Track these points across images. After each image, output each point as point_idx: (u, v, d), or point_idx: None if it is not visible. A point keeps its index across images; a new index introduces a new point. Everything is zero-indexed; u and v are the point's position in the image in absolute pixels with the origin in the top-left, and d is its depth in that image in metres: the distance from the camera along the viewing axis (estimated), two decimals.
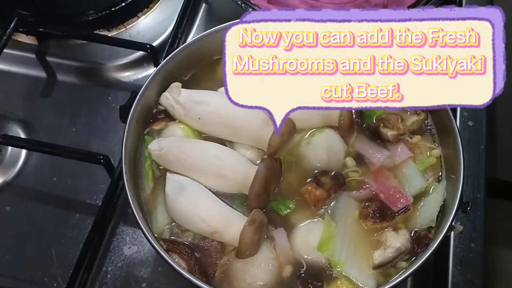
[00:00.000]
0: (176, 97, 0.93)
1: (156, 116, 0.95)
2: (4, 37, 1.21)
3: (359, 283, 0.81)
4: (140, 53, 1.26)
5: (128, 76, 1.27)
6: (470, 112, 1.19)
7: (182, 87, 0.95)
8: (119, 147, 1.14)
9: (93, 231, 1.05)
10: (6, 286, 1.03)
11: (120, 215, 1.09)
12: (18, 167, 1.15)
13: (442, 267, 1.03)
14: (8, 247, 1.07)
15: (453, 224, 0.98)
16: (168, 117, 0.95)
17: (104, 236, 1.07)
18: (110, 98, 1.24)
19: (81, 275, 1.01)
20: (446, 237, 1.03)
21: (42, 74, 1.28)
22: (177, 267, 0.75)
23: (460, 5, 1.32)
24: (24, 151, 1.16)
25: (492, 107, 1.22)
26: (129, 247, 1.06)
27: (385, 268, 0.82)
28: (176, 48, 1.06)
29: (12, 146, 1.14)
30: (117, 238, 1.07)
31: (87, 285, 1.02)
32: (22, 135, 1.18)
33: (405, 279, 0.78)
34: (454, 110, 1.17)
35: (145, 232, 0.79)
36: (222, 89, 0.96)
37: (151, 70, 1.23)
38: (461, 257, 1.03)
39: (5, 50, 1.21)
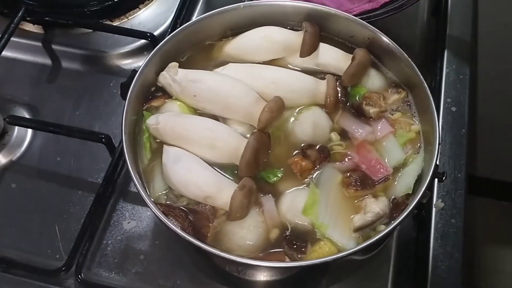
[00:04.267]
0: (173, 76, 0.98)
1: (154, 94, 1.01)
2: (12, 26, 1.26)
3: (340, 244, 0.86)
4: (141, 42, 1.32)
5: (129, 63, 1.33)
6: (453, 98, 1.25)
7: (179, 68, 1.01)
8: (119, 130, 1.21)
9: (94, 206, 1.10)
10: (11, 257, 1.08)
11: (120, 192, 1.15)
12: (24, 147, 1.21)
13: (424, 241, 1.08)
14: (14, 221, 1.12)
15: (434, 198, 1.06)
16: (166, 94, 1.01)
17: (104, 211, 1.12)
18: (112, 84, 1.30)
19: (82, 247, 1.06)
20: (428, 213, 1.10)
21: (47, 61, 1.34)
22: (172, 226, 0.81)
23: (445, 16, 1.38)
24: (29, 133, 1.22)
25: (473, 97, 1.28)
26: (128, 222, 1.11)
27: (365, 231, 0.88)
28: None
29: (18, 125, 1.20)
30: (117, 214, 1.12)
31: (88, 256, 1.07)
32: None
33: (382, 239, 0.83)
34: (438, 95, 1.24)
35: (143, 195, 0.84)
36: (217, 69, 1.03)
37: None
38: (441, 232, 1.09)
39: (12, 39, 1.26)
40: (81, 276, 1.03)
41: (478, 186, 2.07)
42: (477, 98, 1.30)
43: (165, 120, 0.95)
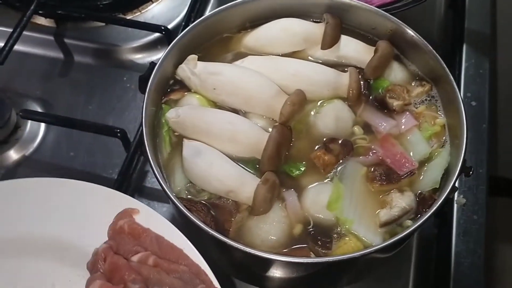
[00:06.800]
0: (193, 68, 0.97)
1: (173, 87, 0.99)
2: (24, 19, 1.24)
3: (366, 240, 0.84)
4: (154, 35, 1.30)
5: (142, 57, 1.31)
6: (473, 93, 1.23)
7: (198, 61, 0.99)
8: (133, 124, 1.20)
9: None
10: None
11: (135, 188, 1.13)
12: (37, 142, 1.19)
13: (446, 238, 1.07)
14: None
15: (455, 194, 1.04)
16: (185, 87, 0.99)
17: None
18: (125, 78, 1.28)
19: None
20: (450, 209, 1.08)
21: (59, 55, 1.32)
22: (195, 220, 0.79)
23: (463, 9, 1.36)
24: (42, 127, 1.21)
25: (493, 91, 1.26)
26: None
27: (391, 227, 0.86)
28: None
29: (31, 119, 1.18)
30: None
31: None
32: None
33: (410, 234, 0.81)
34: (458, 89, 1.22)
35: (166, 189, 0.82)
36: (236, 62, 1.01)
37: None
38: (464, 228, 1.07)
39: (24, 32, 1.24)
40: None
41: (499, 186, 2.04)
42: (497, 94, 1.28)
43: (185, 114, 0.93)
